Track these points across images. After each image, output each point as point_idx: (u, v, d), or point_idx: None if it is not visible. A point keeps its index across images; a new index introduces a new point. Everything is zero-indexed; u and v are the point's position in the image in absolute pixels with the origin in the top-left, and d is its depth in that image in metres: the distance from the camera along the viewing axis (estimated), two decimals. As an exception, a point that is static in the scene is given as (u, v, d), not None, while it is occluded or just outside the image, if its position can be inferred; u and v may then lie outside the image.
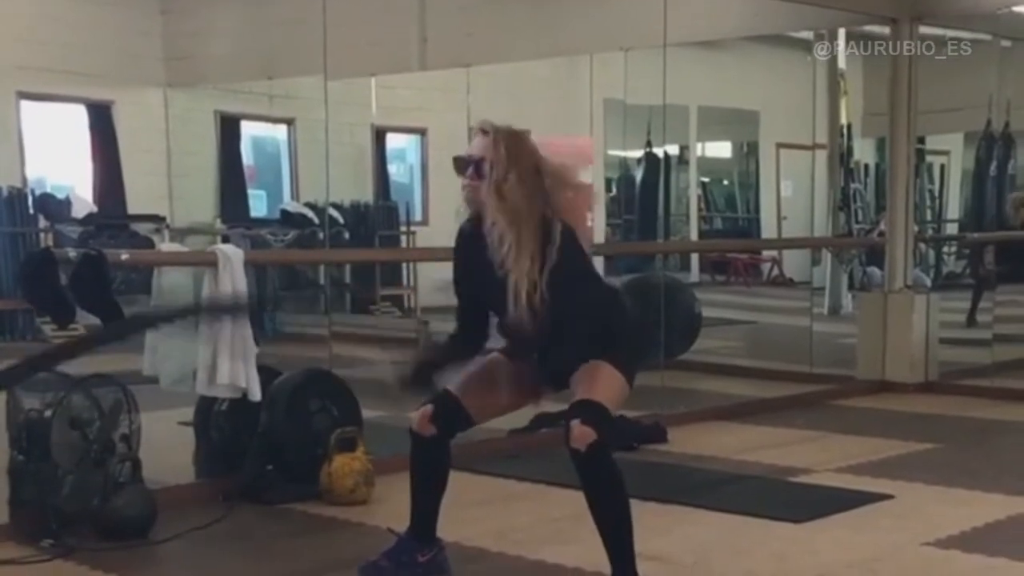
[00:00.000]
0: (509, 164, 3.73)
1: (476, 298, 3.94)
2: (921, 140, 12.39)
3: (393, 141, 13.95)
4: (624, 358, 3.79)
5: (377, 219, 13.00)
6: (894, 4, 8.31)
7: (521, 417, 6.27)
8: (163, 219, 12.01)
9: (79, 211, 11.57)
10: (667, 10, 7.67)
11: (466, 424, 3.98)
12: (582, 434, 3.63)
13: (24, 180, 11.40)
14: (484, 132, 3.79)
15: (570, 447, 3.67)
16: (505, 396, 3.92)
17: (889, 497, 5.35)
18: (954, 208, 15.48)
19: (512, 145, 3.77)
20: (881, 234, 9.55)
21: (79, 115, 12.24)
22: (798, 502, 5.33)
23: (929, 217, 15.09)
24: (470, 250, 3.88)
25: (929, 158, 14.89)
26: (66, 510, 4.61)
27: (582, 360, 3.72)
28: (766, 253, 15.67)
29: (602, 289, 3.93)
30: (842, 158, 12.90)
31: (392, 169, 14.02)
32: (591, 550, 3.91)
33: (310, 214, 12.40)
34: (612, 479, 3.75)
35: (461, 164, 3.81)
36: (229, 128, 13.00)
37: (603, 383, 3.73)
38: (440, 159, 13.20)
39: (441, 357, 4.03)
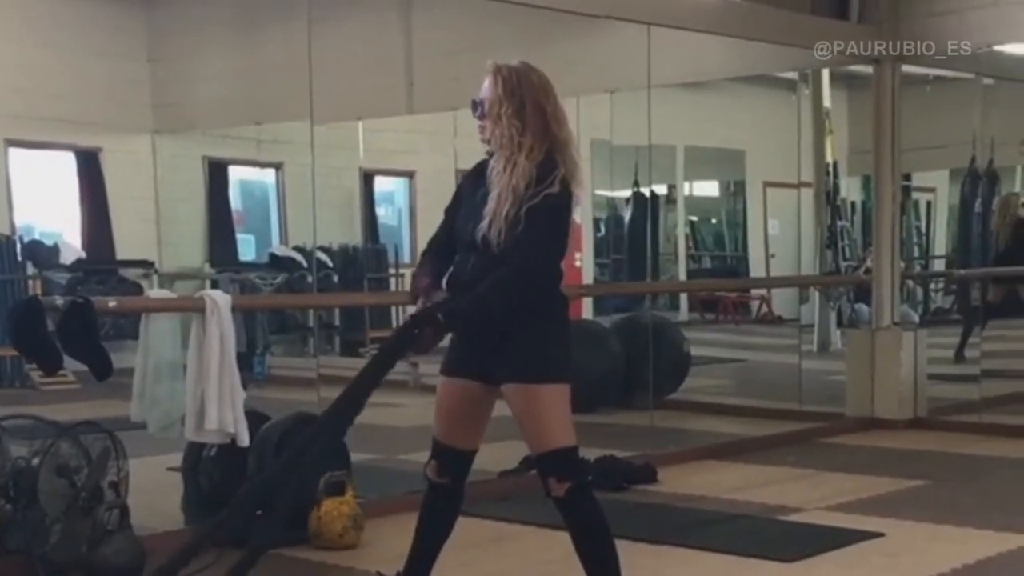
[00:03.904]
0: (506, 99, 3.72)
1: (454, 228, 3.87)
2: (907, 177, 12.45)
3: (381, 184, 14.00)
4: (546, 367, 3.70)
5: (366, 261, 13.03)
6: (877, 45, 8.38)
7: (511, 459, 6.30)
8: (152, 264, 12.03)
9: (67, 257, 11.58)
10: (651, 52, 7.73)
11: (469, 460, 3.97)
12: (561, 488, 3.71)
13: (12, 227, 11.40)
14: (488, 73, 3.80)
15: (551, 496, 3.74)
16: (478, 411, 3.89)
17: (880, 535, 5.35)
18: (941, 244, 15.54)
19: (511, 80, 3.75)
20: (868, 271, 9.59)
21: (67, 162, 12.27)
22: (789, 541, 5.32)
23: (916, 253, 15.14)
24: (471, 179, 3.87)
25: (915, 195, 14.95)
26: (54, 559, 4.59)
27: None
28: (755, 291, 15.71)
29: (531, 262, 3.65)
30: (828, 196, 12.97)
31: (380, 212, 14.07)
32: (581, 592, 3.90)
33: (299, 258, 12.43)
34: (596, 520, 3.77)
35: (473, 108, 3.84)
36: (217, 173, 13.04)
37: (549, 420, 3.70)
38: (428, 201, 13.25)
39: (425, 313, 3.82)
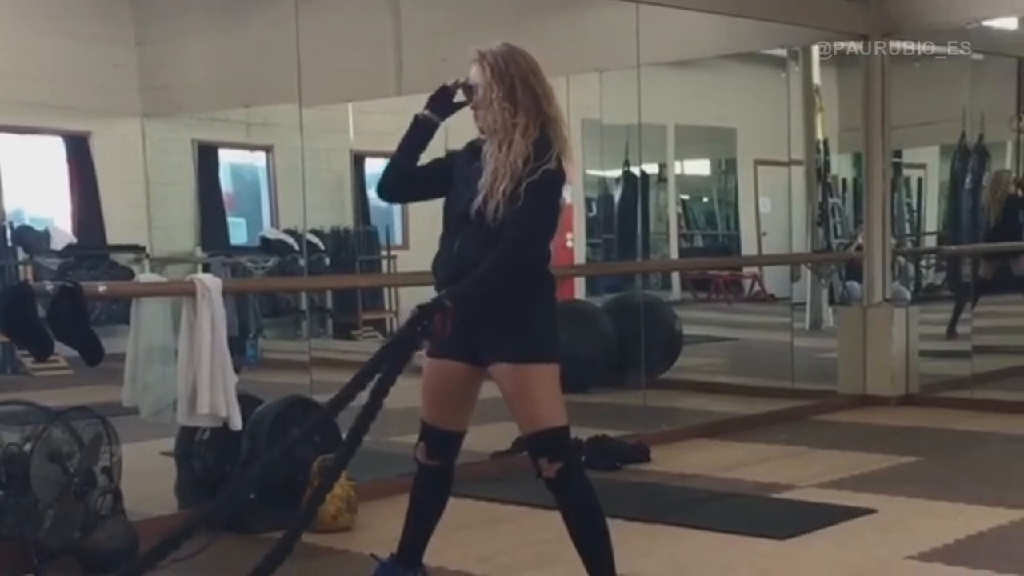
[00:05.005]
0: (495, 83, 3.73)
1: (433, 178, 3.91)
2: (898, 154, 12.47)
3: (372, 166, 13.95)
4: (536, 347, 3.72)
5: (357, 244, 13.02)
6: (865, 21, 8.37)
7: (503, 440, 6.30)
8: (143, 249, 12.00)
9: (58, 243, 11.54)
10: (639, 31, 7.71)
11: (458, 441, 3.98)
12: (551, 468, 3.72)
13: (2, 213, 11.37)
14: (474, 61, 3.79)
15: (543, 477, 3.76)
16: (466, 392, 3.90)
17: (872, 511, 5.37)
18: (932, 221, 15.56)
19: (499, 63, 3.74)
20: (859, 248, 9.60)
21: (56, 147, 12.22)
22: (781, 518, 5.34)
23: (908, 230, 15.17)
24: (465, 155, 3.88)
25: (906, 171, 14.97)
26: (47, 544, 4.59)
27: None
28: (747, 269, 15.72)
29: (529, 240, 3.70)
30: (819, 173, 12.97)
31: (371, 194, 14.02)
32: (574, 572, 3.90)
33: (290, 241, 12.41)
34: (587, 500, 3.78)
35: (466, 93, 3.84)
36: (207, 156, 13.00)
37: (539, 400, 3.72)
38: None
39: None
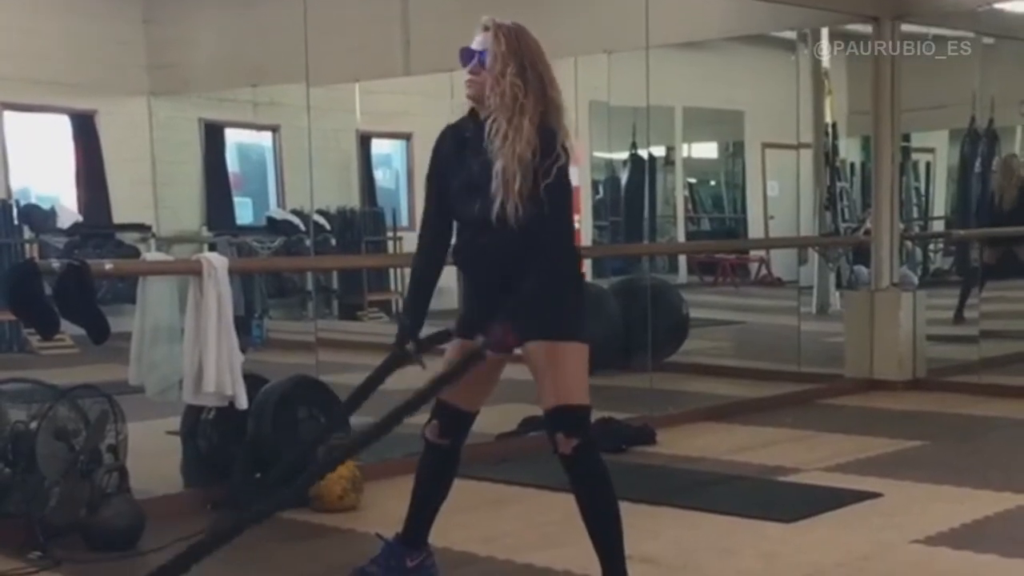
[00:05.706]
0: (509, 56, 3.67)
1: (445, 197, 3.85)
2: (907, 138, 12.43)
3: (378, 146, 13.96)
4: (569, 326, 3.75)
5: (364, 224, 13.02)
6: (876, 3, 8.33)
7: (510, 421, 6.31)
8: (149, 228, 12.01)
9: (64, 221, 11.56)
10: (648, 12, 7.67)
11: (470, 422, 3.99)
12: (568, 444, 3.71)
13: (9, 191, 11.37)
14: (486, 28, 3.73)
15: (558, 453, 3.75)
16: (488, 374, 3.88)
17: (878, 495, 5.36)
18: (940, 205, 15.53)
19: (513, 39, 3.70)
20: (867, 232, 9.57)
21: (63, 125, 12.21)
22: (787, 502, 5.33)
23: (916, 214, 15.14)
24: (450, 145, 3.84)
25: (915, 155, 14.94)
26: (53, 522, 4.60)
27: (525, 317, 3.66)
28: (754, 253, 15.71)
29: (562, 242, 3.76)
30: (827, 157, 12.94)
31: (378, 174, 14.03)
32: (580, 553, 3.91)
33: (296, 221, 12.41)
34: (601, 479, 3.77)
35: (464, 56, 3.76)
36: (214, 136, 13.00)
37: (567, 376, 3.72)
38: (425, 164, 13.15)
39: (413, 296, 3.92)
